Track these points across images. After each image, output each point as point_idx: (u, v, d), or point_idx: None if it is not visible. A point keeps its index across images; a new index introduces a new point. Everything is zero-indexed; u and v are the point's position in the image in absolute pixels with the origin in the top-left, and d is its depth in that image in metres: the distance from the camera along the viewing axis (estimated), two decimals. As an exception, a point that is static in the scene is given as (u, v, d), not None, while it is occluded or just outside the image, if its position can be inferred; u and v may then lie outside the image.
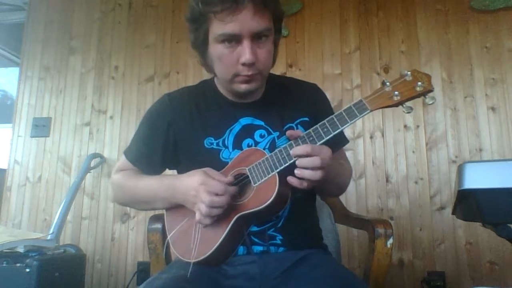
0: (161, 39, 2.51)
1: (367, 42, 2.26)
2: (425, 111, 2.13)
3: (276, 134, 1.00)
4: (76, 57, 2.59)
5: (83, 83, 2.54)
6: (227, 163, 0.95)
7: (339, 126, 0.82)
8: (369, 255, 1.08)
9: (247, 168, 0.90)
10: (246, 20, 0.85)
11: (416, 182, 2.08)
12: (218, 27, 0.87)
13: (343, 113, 0.83)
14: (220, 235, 0.88)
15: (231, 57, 0.89)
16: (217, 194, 0.84)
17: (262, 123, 1.01)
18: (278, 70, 2.24)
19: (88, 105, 2.51)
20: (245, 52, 0.87)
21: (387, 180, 2.11)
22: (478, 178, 0.71)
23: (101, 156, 2.39)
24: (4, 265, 1.57)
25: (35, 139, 2.52)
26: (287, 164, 0.85)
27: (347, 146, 1.13)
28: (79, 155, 2.44)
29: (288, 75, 2.24)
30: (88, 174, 2.34)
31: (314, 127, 0.85)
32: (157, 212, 1.10)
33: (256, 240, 0.94)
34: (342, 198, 1.40)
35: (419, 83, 0.80)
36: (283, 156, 0.85)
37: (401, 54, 2.21)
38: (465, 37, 2.16)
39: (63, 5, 2.68)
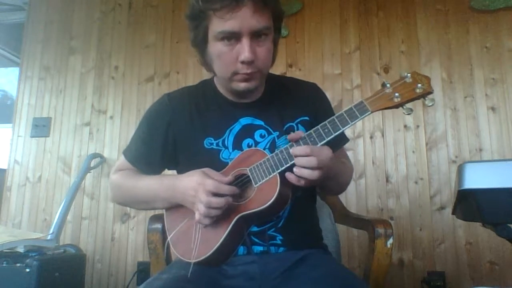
0: (161, 39, 2.51)
1: (367, 42, 2.26)
2: (425, 111, 2.13)
3: (276, 134, 1.00)
4: (76, 57, 2.59)
5: (83, 83, 2.54)
6: (227, 163, 0.95)
7: (340, 127, 0.83)
8: (369, 255, 1.09)
9: (247, 169, 0.90)
10: (245, 18, 0.85)
11: (416, 182, 2.08)
12: (218, 25, 0.87)
13: (344, 114, 0.83)
14: (220, 235, 0.88)
15: (230, 55, 0.89)
16: (215, 195, 0.84)
17: (262, 123, 1.01)
18: (278, 70, 2.24)
19: (88, 105, 2.51)
20: (244, 50, 0.87)
21: (387, 180, 2.11)
22: (478, 178, 0.71)
23: (101, 156, 2.39)
24: (4, 265, 1.57)
25: (35, 139, 2.52)
26: (288, 165, 0.85)
27: (347, 145, 1.14)
28: (79, 155, 2.44)
29: (288, 75, 2.24)
30: (88, 174, 2.34)
31: (315, 127, 0.85)
32: (157, 212, 1.10)
33: (256, 240, 0.94)
34: (342, 198, 1.40)
35: (419, 85, 0.81)
36: (284, 156, 0.85)
37: (401, 54, 2.21)
38: (465, 37, 2.16)
39: (63, 5, 2.68)
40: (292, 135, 0.87)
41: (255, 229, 0.94)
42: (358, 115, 0.82)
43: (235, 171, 0.92)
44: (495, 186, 0.70)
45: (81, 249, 2.06)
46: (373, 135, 2.16)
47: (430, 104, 0.82)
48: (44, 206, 2.41)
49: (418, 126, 2.13)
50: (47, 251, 1.74)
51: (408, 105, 0.82)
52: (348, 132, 2.13)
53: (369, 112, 0.82)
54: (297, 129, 1.00)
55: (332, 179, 0.95)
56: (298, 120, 1.02)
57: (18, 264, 1.57)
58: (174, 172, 1.08)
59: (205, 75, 1.07)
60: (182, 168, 1.02)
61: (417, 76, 0.82)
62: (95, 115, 2.49)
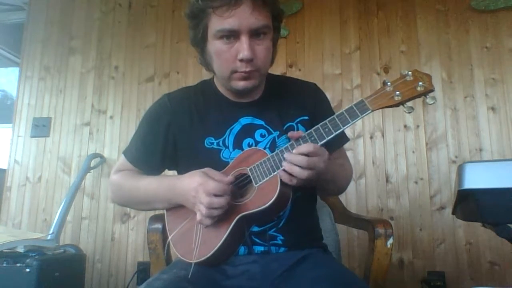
0: (161, 39, 2.51)
1: (367, 42, 2.26)
2: (425, 111, 2.13)
3: (276, 133, 1.00)
4: (76, 57, 2.59)
5: (83, 83, 2.54)
6: (228, 163, 0.95)
7: (341, 126, 0.83)
8: (369, 255, 1.09)
9: (248, 168, 0.90)
10: (244, 16, 0.86)
11: (416, 182, 2.08)
12: (217, 23, 0.88)
13: (345, 113, 0.83)
14: (221, 235, 0.88)
15: (229, 53, 0.90)
16: (216, 195, 0.84)
17: (262, 122, 1.01)
18: (278, 70, 2.25)
19: (88, 105, 2.51)
20: (243, 48, 0.87)
21: (387, 180, 2.11)
22: (478, 178, 0.71)
23: (101, 156, 2.39)
24: (4, 265, 1.57)
25: (35, 139, 2.52)
26: None
27: (347, 146, 1.13)
28: (79, 155, 2.44)
29: (288, 75, 2.24)
30: (88, 174, 2.34)
31: (316, 127, 0.85)
32: (157, 212, 1.10)
33: (257, 240, 0.94)
34: (342, 198, 1.40)
35: (420, 83, 0.80)
36: (284, 156, 0.85)
37: (401, 54, 2.21)
38: (465, 37, 2.16)
39: (63, 5, 2.67)
40: (292, 133, 0.87)
41: (256, 229, 0.94)
42: (358, 114, 0.82)
43: (235, 171, 0.92)
44: (495, 186, 0.70)
45: (81, 249, 2.06)
46: (373, 135, 2.17)
47: (431, 102, 0.81)
48: (44, 206, 2.41)
49: (418, 126, 2.13)
50: (47, 251, 1.74)
51: (409, 104, 0.82)
52: (348, 132, 2.11)
53: (369, 111, 0.82)
54: (297, 129, 1.00)
55: (329, 181, 0.96)
56: (298, 119, 1.02)
57: (18, 264, 1.56)
58: (175, 172, 1.08)
59: (205, 75, 1.07)
60: (182, 168, 1.02)
61: (418, 74, 0.81)
62: (95, 115, 2.49)
